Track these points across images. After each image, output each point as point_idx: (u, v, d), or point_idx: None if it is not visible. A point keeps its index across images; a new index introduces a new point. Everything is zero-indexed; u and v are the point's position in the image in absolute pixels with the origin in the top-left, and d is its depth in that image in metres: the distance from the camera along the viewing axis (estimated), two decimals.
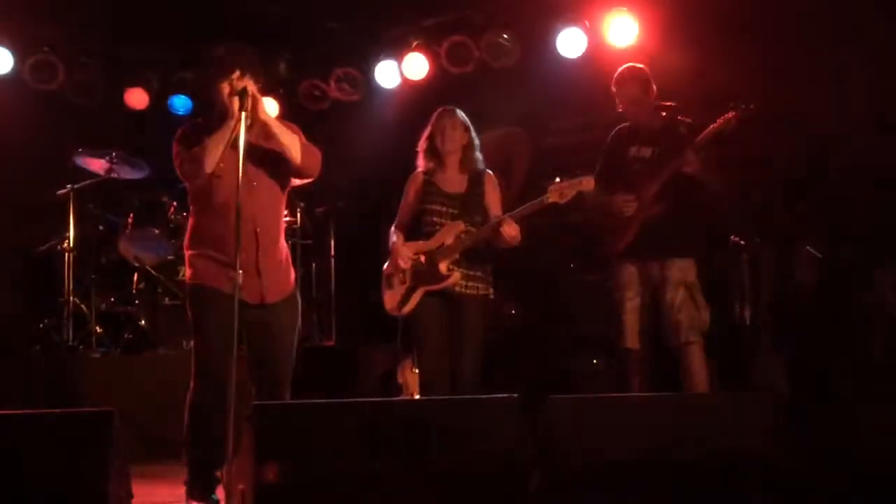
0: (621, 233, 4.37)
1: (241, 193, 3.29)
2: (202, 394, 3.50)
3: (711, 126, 4.19)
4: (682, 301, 4.26)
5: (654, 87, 4.42)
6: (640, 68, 4.44)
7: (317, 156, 3.62)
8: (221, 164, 3.43)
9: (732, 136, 4.20)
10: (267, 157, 3.52)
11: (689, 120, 4.37)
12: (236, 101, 3.36)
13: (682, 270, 4.30)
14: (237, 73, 3.42)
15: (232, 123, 3.38)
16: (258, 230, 3.49)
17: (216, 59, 3.49)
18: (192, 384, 3.54)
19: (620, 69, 4.46)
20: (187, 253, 3.63)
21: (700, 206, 4.36)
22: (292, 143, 3.50)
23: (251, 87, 3.39)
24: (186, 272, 3.64)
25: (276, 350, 3.59)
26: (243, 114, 3.34)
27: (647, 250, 4.32)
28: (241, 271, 3.28)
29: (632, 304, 4.37)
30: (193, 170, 3.44)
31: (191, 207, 3.67)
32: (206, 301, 3.52)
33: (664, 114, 4.45)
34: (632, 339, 4.37)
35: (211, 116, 3.56)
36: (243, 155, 3.32)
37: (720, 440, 2.99)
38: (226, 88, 3.43)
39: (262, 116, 3.45)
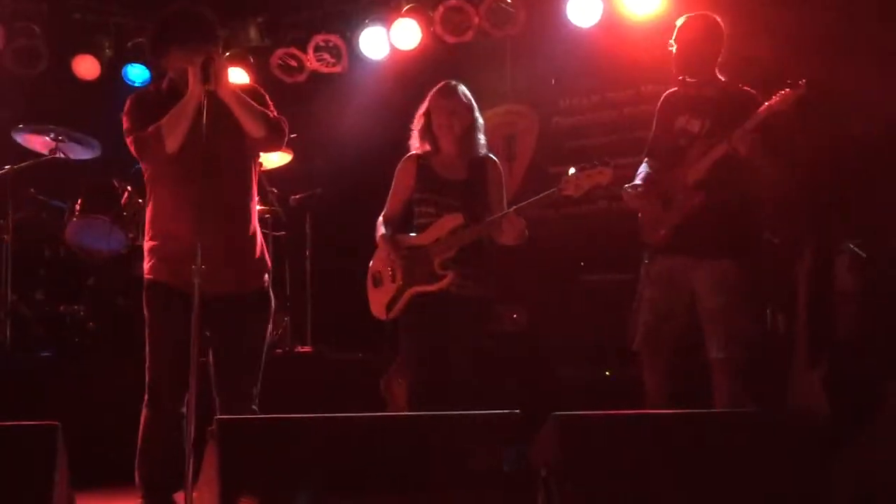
0: (660, 222, 4.26)
1: (205, 173, 3.29)
2: (156, 408, 3.51)
3: (767, 103, 4.03)
4: (723, 308, 4.12)
5: (724, 45, 4.22)
6: (713, 18, 4.25)
7: (282, 129, 3.64)
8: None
9: (788, 116, 4.11)
10: (232, 131, 3.53)
11: (750, 90, 4.21)
12: (199, 72, 3.36)
13: (726, 272, 4.13)
14: (195, 40, 3.45)
15: (195, 97, 3.39)
16: (225, 214, 3.50)
17: (170, 24, 3.51)
18: (145, 397, 3.55)
19: (686, 18, 4.28)
20: (146, 244, 3.65)
21: (751, 197, 4.24)
22: (252, 115, 3.52)
23: (216, 55, 3.42)
24: (145, 265, 3.64)
25: (245, 351, 3.58)
26: (206, 86, 3.35)
27: (686, 246, 4.19)
28: (203, 267, 3.21)
29: (656, 304, 4.26)
30: (154, 150, 3.46)
31: (148, 192, 3.68)
32: (160, 301, 3.53)
33: (723, 79, 4.28)
34: (646, 343, 4.28)
35: (163, 85, 3.59)
36: (207, 130, 3.31)
37: (749, 465, 3.01)
38: (181, 56, 3.44)
39: (227, 88, 3.45)
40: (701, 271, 4.18)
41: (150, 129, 3.45)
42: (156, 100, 3.55)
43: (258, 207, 6.19)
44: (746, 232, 4.26)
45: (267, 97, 3.71)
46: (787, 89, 4.00)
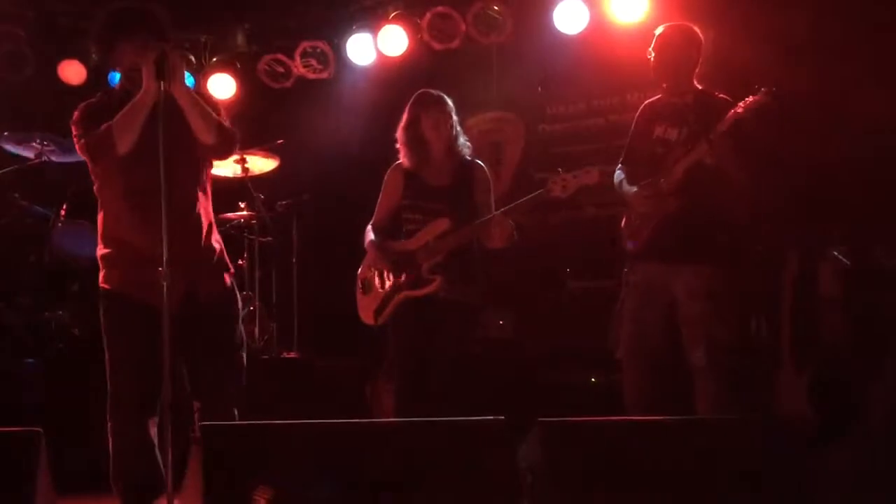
0: (638, 230, 4.28)
1: (159, 176, 3.19)
2: (121, 419, 3.46)
3: (732, 111, 4.08)
4: (702, 314, 4.14)
5: (702, 54, 4.25)
6: (690, 28, 4.27)
7: (231, 140, 3.51)
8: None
9: (757, 122, 4.15)
10: (184, 133, 3.42)
11: (727, 98, 4.21)
12: (152, 69, 3.24)
13: (703, 278, 4.15)
14: (144, 36, 3.34)
15: (148, 96, 3.28)
16: (177, 218, 3.37)
17: (116, 17, 3.40)
18: (108, 406, 3.49)
19: (664, 27, 4.29)
20: (98, 252, 3.56)
21: (726, 203, 4.25)
22: (204, 121, 3.41)
23: (171, 52, 3.29)
24: (100, 274, 3.56)
25: (216, 351, 3.51)
26: (161, 84, 3.23)
27: (664, 252, 4.19)
28: (167, 269, 3.18)
29: (638, 312, 4.27)
30: (103, 151, 3.35)
31: (99, 198, 3.57)
32: (117, 311, 3.47)
33: (700, 87, 4.30)
34: (629, 351, 4.30)
35: (115, 91, 3.51)
36: (161, 130, 3.21)
37: (734, 471, 3.01)
38: (129, 53, 3.34)
39: (182, 87, 3.33)
40: (678, 278, 4.19)
41: (102, 129, 3.34)
42: (106, 106, 3.44)
43: (244, 213, 6.28)
44: (721, 238, 4.26)
45: (221, 108, 3.59)
46: (753, 96, 4.04)
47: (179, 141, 3.39)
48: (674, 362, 4.32)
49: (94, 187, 3.57)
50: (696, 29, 4.27)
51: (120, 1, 3.47)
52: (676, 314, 4.22)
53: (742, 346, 4.89)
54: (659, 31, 4.30)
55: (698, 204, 4.16)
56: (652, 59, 4.29)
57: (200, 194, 3.57)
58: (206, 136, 3.41)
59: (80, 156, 3.49)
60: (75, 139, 3.46)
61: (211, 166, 3.67)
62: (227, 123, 3.52)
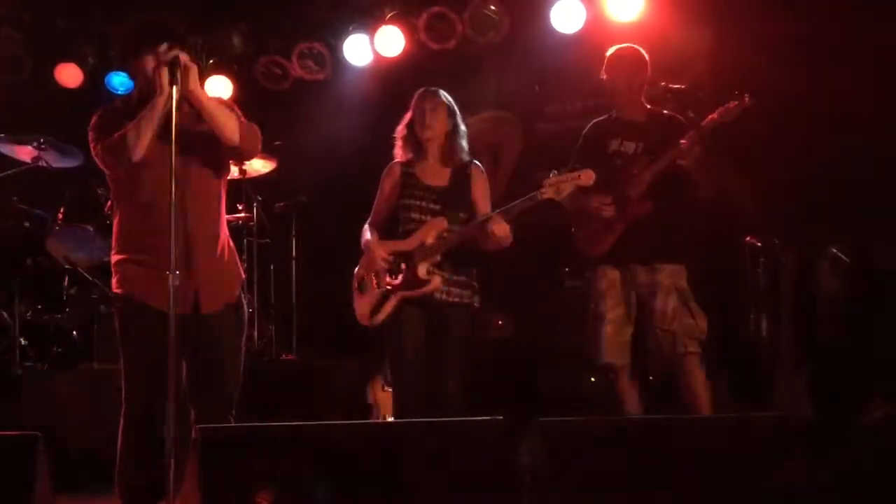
0: (602, 235, 4.40)
1: (173, 184, 3.19)
2: (132, 419, 3.48)
3: (710, 116, 4.24)
4: (675, 309, 4.30)
5: (649, 74, 4.47)
6: (637, 50, 4.48)
7: (257, 136, 3.55)
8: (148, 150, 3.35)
9: (732, 126, 4.25)
10: (200, 140, 3.42)
11: (677, 115, 4.43)
12: (165, 74, 3.25)
13: (673, 276, 4.34)
14: (164, 46, 3.34)
15: (162, 101, 3.28)
16: (191, 226, 3.40)
17: (137, 31, 3.43)
18: (122, 408, 3.51)
19: (614, 50, 4.50)
20: (112, 258, 3.57)
21: (690, 204, 4.40)
22: (228, 120, 3.41)
23: (183, 56, 3.30)
24: (113, 279, 3.57)
25: (217, 366, 3.53)
26: (174, 88, 3.24)
27: (632, 254, 4.35)
28: (176, 272, 3.19)
29: (613, 313, 4.40)
30: (117, 158, 3.36)
31: (115, 204, 3.59)
32: (130, 316, 3.48)
33: (649, 106, 4.50)
34: (614, 353, 4.40)
35: (132, 98, 3.51)
36: (175, 138, 3.21)
37: (733, 468, 3.01)
38: (150, 62, 3.35)
39: (194, 89, 3.33)
40: (649, 277, 4.36)
41: (115, 135, 3.34)
42: (124, 112, 3.44)
43: (243, 215, 6.29)
44: (690, 237, 4.44)
45: (236, 108, 3.58)
46: (732, 102, 4.22)
47: (195, 148, 3.41)
48: (662, 359, 4.40)
49: (111, 192, 3.59)
50: (643, 51, 4.48)
51: (140, 13, 3.49)
52: (650, 312, 4.35)
53: (741, 343, 4.92)
54: (609, 53, 4.51)
55: (667, 205, 4.30)
56: (604, 80, 4.50)
57: (216, 202, 3.58)
58: (232, 136, 3.42)
59: (96, 161, 3.50)
60: (91, 144, 3.47)
61: (228, 172, 3.69)
62: (244, 120, 3.53)
